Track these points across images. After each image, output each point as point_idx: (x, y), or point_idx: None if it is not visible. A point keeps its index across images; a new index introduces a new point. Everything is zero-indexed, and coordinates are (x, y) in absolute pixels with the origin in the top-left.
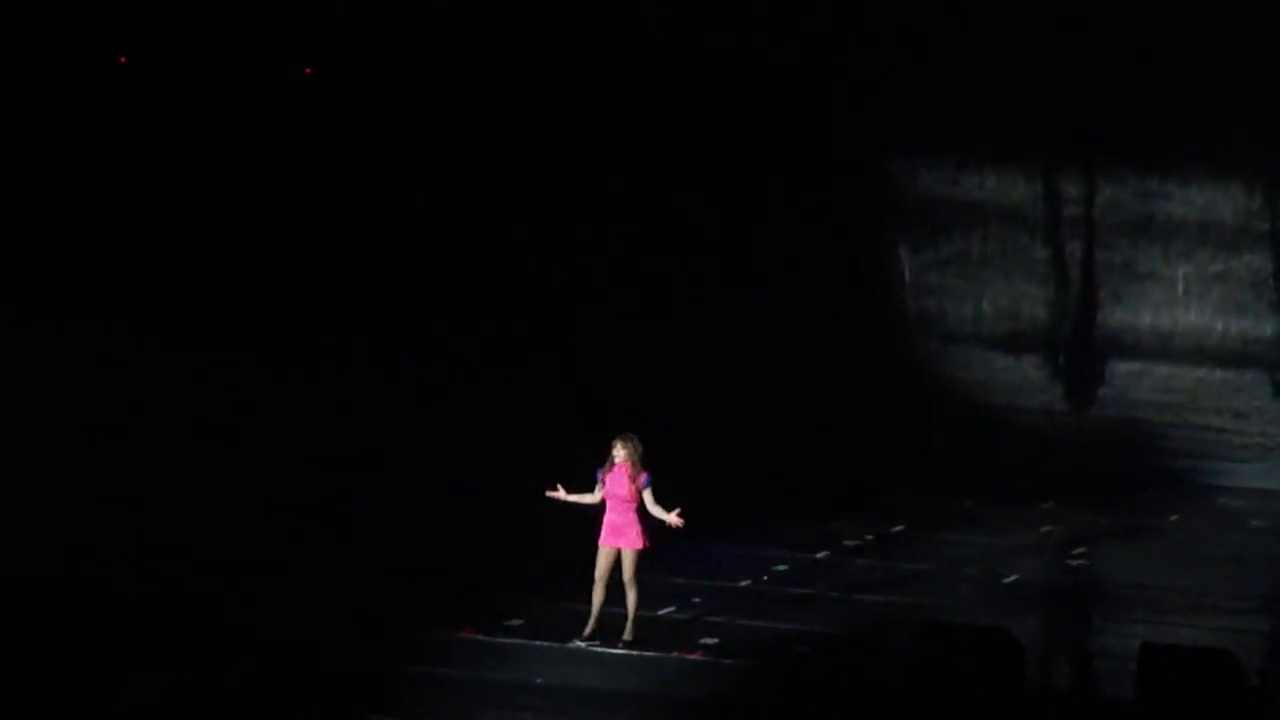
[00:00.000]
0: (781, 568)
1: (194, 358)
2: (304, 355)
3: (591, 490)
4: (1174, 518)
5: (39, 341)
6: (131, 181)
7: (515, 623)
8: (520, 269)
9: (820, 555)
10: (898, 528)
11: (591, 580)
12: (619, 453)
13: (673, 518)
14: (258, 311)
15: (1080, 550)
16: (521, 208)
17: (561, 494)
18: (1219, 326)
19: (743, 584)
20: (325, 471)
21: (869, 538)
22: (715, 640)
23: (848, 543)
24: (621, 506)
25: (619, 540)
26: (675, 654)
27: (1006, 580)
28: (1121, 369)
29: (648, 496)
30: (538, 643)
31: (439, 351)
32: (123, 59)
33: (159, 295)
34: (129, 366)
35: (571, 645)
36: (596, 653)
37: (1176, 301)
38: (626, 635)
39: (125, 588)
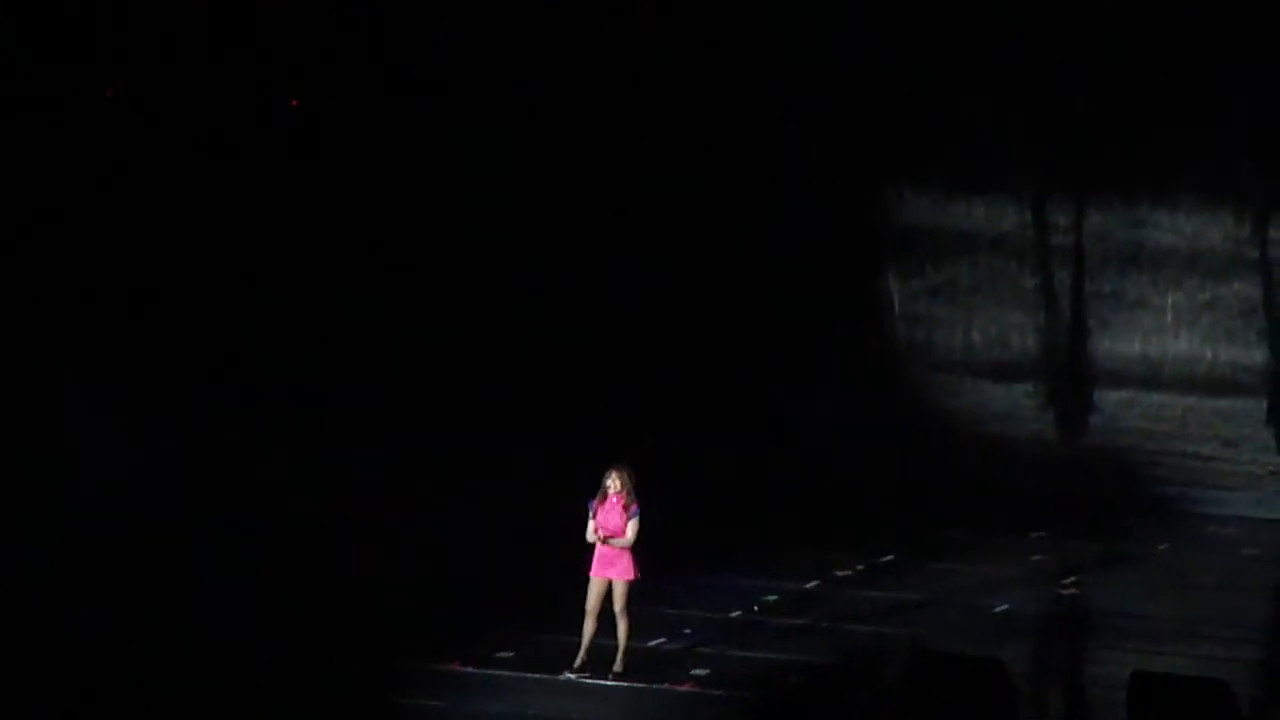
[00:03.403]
0: (772, 598)
1: (182, 385)
2: (297, 386)
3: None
4: (1164, 546)
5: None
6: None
7: (506, 655)
8: (516, 295)
9: (810, 585)
10: (888, 557)
11: (582, 612)
12: (614, 483)
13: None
14: (262, 342)
15: (1071, 579)
16: (513, 229)
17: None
18: (1208, 354)
19: (733, 615)
20: (315, 503)
21: (859, 567)
22: (706, 671)
23: (838, 572)
24: (613, 537)
25: (610, 571)
26: (666, 685)
27: (997, 609)
28: (1111, 397)
29: (631, 528)
30: (529, 675)
31: (432, 381)
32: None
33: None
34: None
35: (563, 677)
36: (588, 684)
37: (1166, 329)
38: (617, 666)
39: (99, 624)
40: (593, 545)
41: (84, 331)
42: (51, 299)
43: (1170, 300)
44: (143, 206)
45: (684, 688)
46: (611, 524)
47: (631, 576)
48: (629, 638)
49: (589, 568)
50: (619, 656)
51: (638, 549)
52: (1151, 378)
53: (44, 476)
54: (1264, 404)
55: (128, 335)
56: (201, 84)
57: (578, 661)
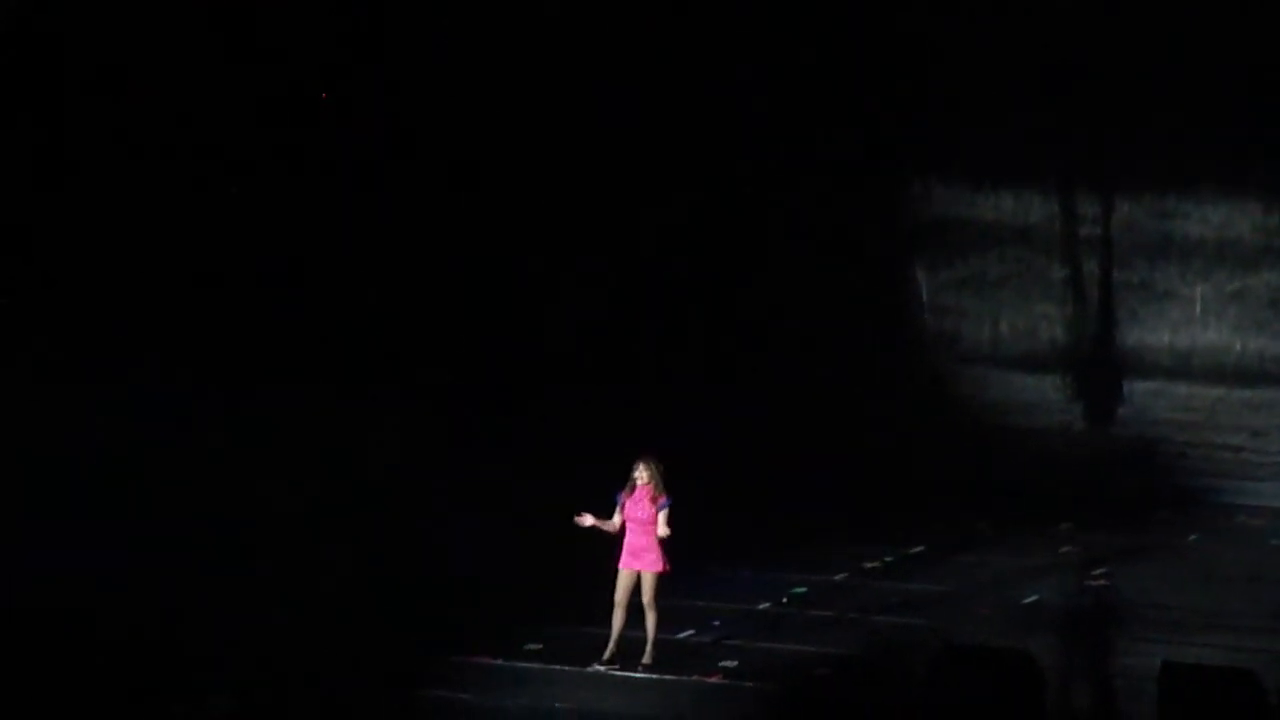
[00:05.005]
0: (800, 590)
1: (201, 378)
2: (323, 376)
3: (610, 514)
4: (1193, 537)
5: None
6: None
7: (534, 647)
8: (541, 296)
9: (839, 577)
10: (916, 549)
11: (611, 604)
12: (641, 474)
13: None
14: (280, 331)
15: (1099, 570)
16: (534, 234)
17: (588, 520)
18: (1237, 345)
19: (762, 606)
20: (344, 495)
21: (888, 559)
22: (734, 663)
23: (866, 564)
24: (642, 529)
25: (639, 563)
26: (695, 677)
27: (1026, 601)
28: (1139, 388)
29: (663, 519)
30: (557, 667)
31: (459, 372)
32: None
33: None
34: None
35: (591, 669)
36: (616, 676)
37: (1194, 320)
38: (646, 658)
39: (110, 624)
40: (621, 536)
41: (89, 331)
42: (56, 299)
43: (1199, 291)
44: (148, 205)
45: (713, 679)
46: (640, 515)
47: (660, 568)
48: (657, 630)
49: (617, 559)
50: (648, 648)
51: (667, 541)
52: (1180, 368)
53: (45, 476)
54: None
55: (129, 335)
56: (224, 82)
57: (607, 653)
